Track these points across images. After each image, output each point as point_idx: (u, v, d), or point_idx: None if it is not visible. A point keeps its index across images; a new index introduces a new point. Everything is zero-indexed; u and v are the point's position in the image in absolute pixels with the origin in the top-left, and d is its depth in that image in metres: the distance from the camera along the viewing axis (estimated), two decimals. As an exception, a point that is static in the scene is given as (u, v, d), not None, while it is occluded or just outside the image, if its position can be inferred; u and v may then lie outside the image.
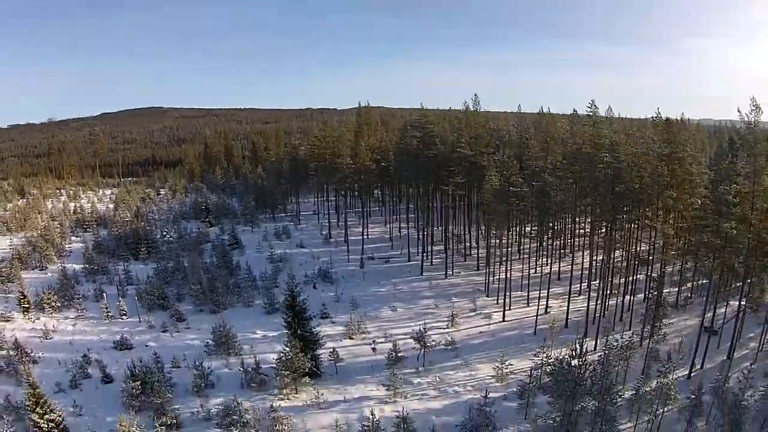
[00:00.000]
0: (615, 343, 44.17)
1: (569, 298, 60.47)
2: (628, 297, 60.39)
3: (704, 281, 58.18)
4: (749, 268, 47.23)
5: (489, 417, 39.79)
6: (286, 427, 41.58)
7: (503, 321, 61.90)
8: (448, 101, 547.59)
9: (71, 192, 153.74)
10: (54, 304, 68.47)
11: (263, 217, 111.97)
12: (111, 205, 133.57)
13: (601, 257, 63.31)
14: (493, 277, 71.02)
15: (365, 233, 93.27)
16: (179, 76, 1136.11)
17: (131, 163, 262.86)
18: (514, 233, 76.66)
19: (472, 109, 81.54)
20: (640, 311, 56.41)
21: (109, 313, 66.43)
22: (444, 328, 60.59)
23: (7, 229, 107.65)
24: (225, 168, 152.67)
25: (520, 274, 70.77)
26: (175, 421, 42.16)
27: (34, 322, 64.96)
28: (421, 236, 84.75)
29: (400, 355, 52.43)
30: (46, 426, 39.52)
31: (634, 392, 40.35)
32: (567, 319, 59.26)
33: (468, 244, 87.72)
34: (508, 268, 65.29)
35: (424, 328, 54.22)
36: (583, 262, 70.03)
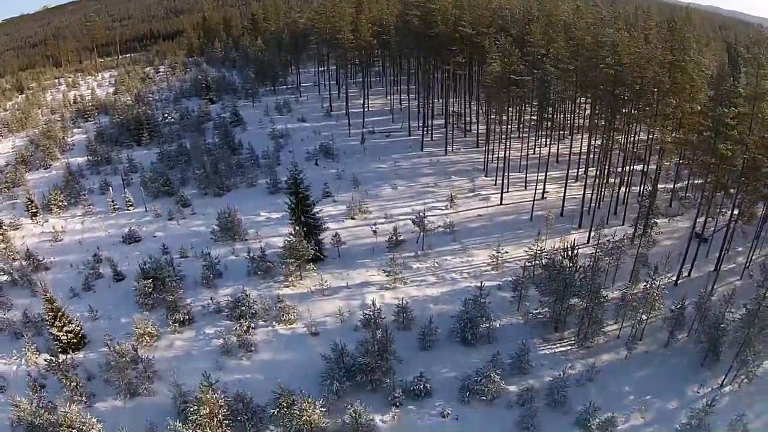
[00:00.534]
0: (607, 243, 44.60)
1: (566, 183, 59.78)
2: (624, 188, 59.91)
3: (699, 181, 57.20)
4: (742, 186, 46.25)
5: (484, 309, 41.18)
6: (292, 316, 43.40)
7: (501, 204, 62.03)
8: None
9: (70, 80, 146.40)
10: (61, 203, 67.90)
11: (264, 91, 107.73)
12: (111, 90, 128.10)
13: (599, 142, 61.92)
14: (492, 155, 69.87)
15: (366, 105, 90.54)
16: None
17: (129, 40, 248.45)
18: (514, 111, 74.32)
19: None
20: (635, 205, 56.20)
21: (116, 206, 66.27)
22: (443, 209, 60.98)
23: (8, 131, 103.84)
24: (224, 40, 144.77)
25: (519, 154, 69.68)
26: (187, 316, 43.74)
27: (42, 225, 64.89)
28: (421, 110, 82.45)
29: (400, 238, 53.43)
30: (65, 338, 41.07)
31: (621, 294, 41.49)
32: (563, 206, 59.17)
33: (468, 119, 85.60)
34: (508, 146, 63.82)
35: (424, 213, 54.70)
36: (581, 146, 68.84)
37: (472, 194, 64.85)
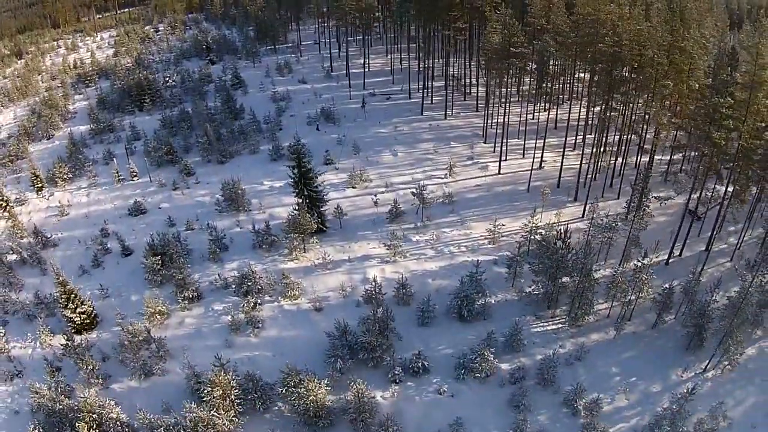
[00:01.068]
0: (600, 221, 45.23)
1: (563, 153, 59.59)
2: (621, 159, 59.91)
3: (695, 153, 57.03)
4: (735, 170, 46.35)
5: (480, 285, 42.29)
6: (296, 292, 44.57)
7: (499, 174, 62.03)
8: None
9: (69, 43, 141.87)
10: (65, 176, 67.32)
11: (264, 50, 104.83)
12: (111, 51, 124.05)
13: (597, 108, 61.42)
14: (492, 120, 69.37)
15: (366, 65, 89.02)
16: None
17: None
18: (513, 79, 73.24)
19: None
20: (631, 178, 56.45)
21: (120, 177, 65.82)
22: (442, 178, 61.13)
23: (9, 100, 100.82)
24: None
25: (518, 119, 68.97)
26: (196, 293, 44.81)
27: (48, 199, 64.65)
28: (422, 72, 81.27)
29: (400, 209, 54.00)
30: (79, 319, 42.09)
31: (612, 274, 42.42)
32: (560, 177, 59.19)
33: (468, 80, 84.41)
34: (507, 111, 63.31)
35: (423, 185, 55.10)
36: (580, 112, 68.09)
37: (470, 162, 64.80)
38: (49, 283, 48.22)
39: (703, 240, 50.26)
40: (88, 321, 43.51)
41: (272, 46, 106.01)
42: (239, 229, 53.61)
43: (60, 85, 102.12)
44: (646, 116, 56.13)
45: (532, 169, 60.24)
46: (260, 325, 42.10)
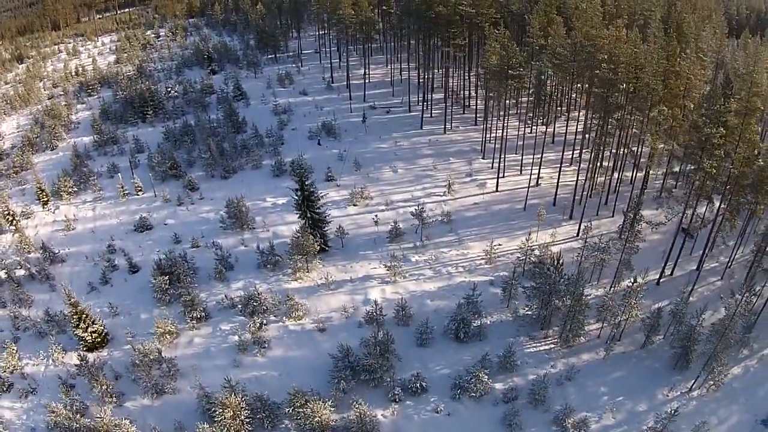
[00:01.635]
0: (594, 245, 48.25)
1: (560, 169, 62.36)
2: (616, 174, 62.90)
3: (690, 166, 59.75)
4: (726, 195, 49.24)
5: (476, 307, 45.48)
6: (301, 312, 47.67)
7: (496, 191, 65.00)
8: None
9: (70, 47, 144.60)
10: (70, 189, 69.89)
11: (265, 59, 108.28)
12: (112, 58, 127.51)
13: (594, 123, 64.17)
14: (490, 134, 72.28)
15: (367, 75, 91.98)
16: None
17: None
18: (511, 97, 76.05)
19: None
20: (626, 194, 59.57)
21: (126, 191, 68.56)
22: (441, 196, 64.13)
23: (11, 107, 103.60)
24: (224, 2, 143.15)
25: (516, 133, 71.74)
26: (203, 313, 47.88)
27: (54, 213, 67.42)
28: (421, 85, 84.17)
29: (400, 228, 56.96)
30: (90, 338, 45.11)
31: (604, 295, 45.65)
32: (556, 195, 62.20)
33: (467, 93, 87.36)
34: (505, 125, 66.15)
35: (422, 205, 58.23)
36: (577, 125, 70.98)
37: (469, 179, 67.80)
38: (59, 299, 51.28)
39: (695, 258, 53.34)
40: (99, 339, 46.45)
41: (273, 55, 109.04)
42: (244, 247, 56.61)
43: (62, 93, 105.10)
44: (641, 140, 59.14)
45: (529, 187, 63.07)
46: (266, 345, 45.10)
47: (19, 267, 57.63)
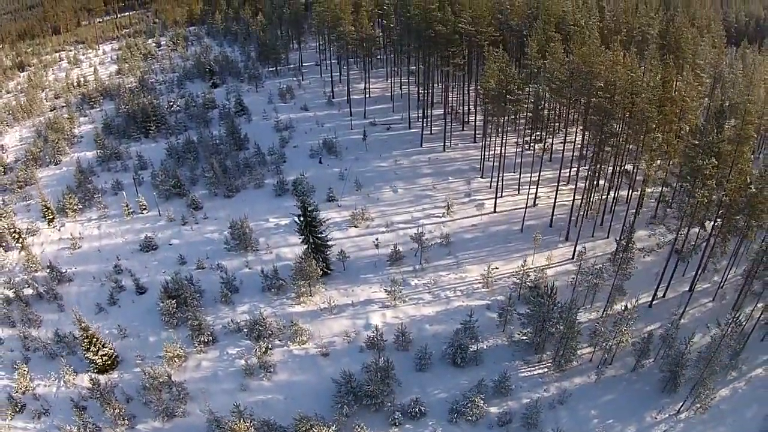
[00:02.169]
0: (588, 269, 51.36)
1: (557, 188, 65.40)
2: (612, 194, 65.60)
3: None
4: (716, 224, 52.34)
5: (473, 332, 48.74)
6: (304, 337, 50.76)
7: (494, 212, 68.04)
8: None
9: (71, 56, 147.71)
10: (75, 206, 72.61)
11: (266, 72, 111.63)
12: (114, 68, 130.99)
13: (590, 146, 67.09)
14: (488, 151, 75.08)
15: (367, 89, 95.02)
16: None
17: None
18: (509, 118, 78.98)
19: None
20: (621, 214, 62.72)
21: (130, 209, 71.38)
22: (440, 217, 67.17)
23: (13, 119, 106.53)
24: (224, 11, 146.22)
25: (515, 151, 74.73)
26: (210, 337, 50.94)
27: (59, 230, 70.22)
28: (421, 102, 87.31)
29: (400, 252, 59.93)
30: (100, 361, 48.15)
31: (596, 319, 48.79)
32: (552, 215, 65.37)
33: (467, 107, 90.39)
34: (504, 142, 69.15)
35: (422, 228, 61.49)
36: (575, 142, 73.98)
37: (467, 199, 70.87)
38: (67, 319, 54.48)
39: (688, 279, 56.45)
40: (109, 362, 49.41)
41: (274, 68, 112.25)
42: (248, 269, 59.68)
43: (64, 104, 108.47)
44: (635, 167, 62.22)
45: (526, 207, 66.02)
46: (272, 370, 48.14)
47: (26, 286, 60.29)
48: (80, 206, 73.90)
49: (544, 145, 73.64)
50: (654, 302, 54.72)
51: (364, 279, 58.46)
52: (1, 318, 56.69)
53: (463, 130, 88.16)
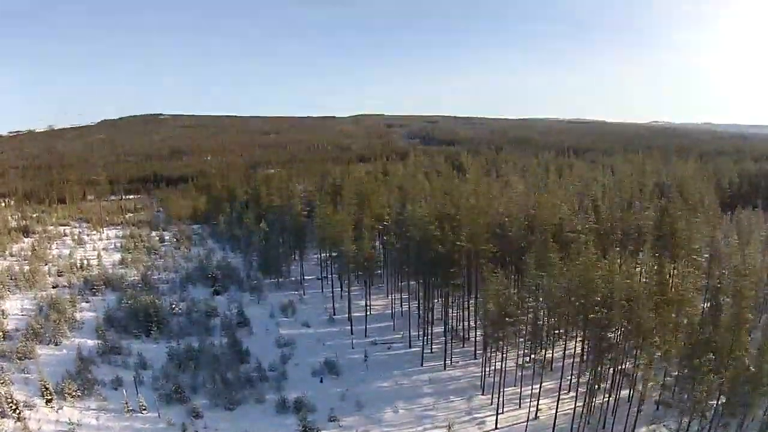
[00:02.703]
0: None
1: (558, 397, 67.91)
2: (614, 396, 67.27)
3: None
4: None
5: None
6: None
7: (495, 429, 69.43)
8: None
9: (76, 234, 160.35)
10: (75, 393, 73.31)
11: (268, 283, 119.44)
12: (117, 256, 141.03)
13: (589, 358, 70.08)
14: (489, 366, 77.96)
15: (368, 306, 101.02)
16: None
17: (132, 180, 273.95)
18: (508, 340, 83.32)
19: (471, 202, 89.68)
20: (624, 413, 64.54)
21: (130, 407, 71.75)
22: (441, 439, 68.38)
23: (15, 285, 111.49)
24: (228, 213, 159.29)
25: (515, 364, 77.54)
26: None
27: (57, 412, 69.79)
28: (421, 321, 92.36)
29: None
30: None
31: None
32: (554, 427, 66.80)
33: (466, 323, 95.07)
34: (504, 357, 72.44)
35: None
36: (575, 349, 77.43)
37: (468, 417, 72.28)
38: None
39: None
40: None
41: (276, 280, 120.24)
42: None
43: (67, 284, 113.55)
44: (636, 366, 65.15)
45: (528, 421, 67.72)
46: None
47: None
48: (79, 393, 73.79)
49: (544, 362, 76.94)
50: None
51: None
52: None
53: (463, 346, 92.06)
